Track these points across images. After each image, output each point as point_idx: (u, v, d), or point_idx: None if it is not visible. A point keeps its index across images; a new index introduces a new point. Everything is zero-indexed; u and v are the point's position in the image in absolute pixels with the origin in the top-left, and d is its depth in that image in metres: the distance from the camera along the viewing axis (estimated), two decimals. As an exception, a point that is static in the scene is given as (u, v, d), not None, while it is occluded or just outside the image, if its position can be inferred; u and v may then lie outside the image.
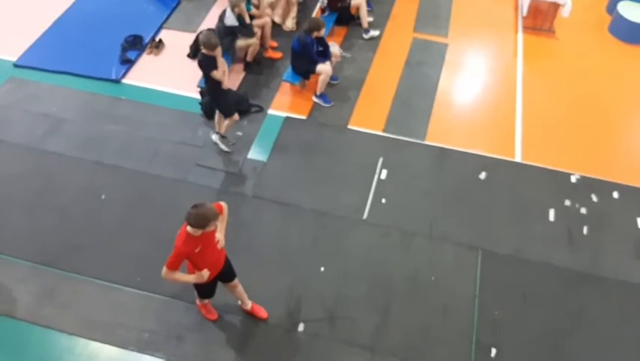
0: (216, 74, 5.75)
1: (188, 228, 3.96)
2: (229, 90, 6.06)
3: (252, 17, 7.38)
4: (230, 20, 7.06)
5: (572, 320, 5.17)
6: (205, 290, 4.67)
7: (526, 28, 8.54)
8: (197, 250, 4.07)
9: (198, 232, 3.97)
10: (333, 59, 7.18)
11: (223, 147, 6.50)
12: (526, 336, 5.04)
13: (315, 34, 6.70)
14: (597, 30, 8.57)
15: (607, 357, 4.94)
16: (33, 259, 5.49)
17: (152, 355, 4.87)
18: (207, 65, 5.72)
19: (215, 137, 6.54)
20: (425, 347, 4.95)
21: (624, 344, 5.02)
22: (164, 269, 4.04)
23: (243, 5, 6.97)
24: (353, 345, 4.95)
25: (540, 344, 5.00)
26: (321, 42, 6.94)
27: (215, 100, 6.22)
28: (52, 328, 5.01)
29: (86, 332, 5.00)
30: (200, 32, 7.88)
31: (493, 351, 4.92)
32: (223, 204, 4.32)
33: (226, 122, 6.35)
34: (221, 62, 5.80)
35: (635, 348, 5.00)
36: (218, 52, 5.70)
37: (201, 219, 3.89)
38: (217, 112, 6.34)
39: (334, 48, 7.30)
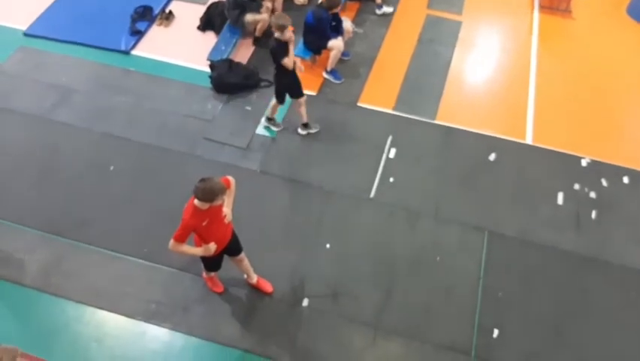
0: (287, 62, 5.64)
1: (196, 201, 3.97)
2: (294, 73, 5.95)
3: None
4: None
5: (575, 303, 5.18)
6: (211, 263, 4.71)
7: (542, 7, 8.37)
8: (204, 224, 4.09)
9: (205, 206, 3.98)
10: (345, 34, 7.08)
11: (274, 128, 6.48)
12: (529, 318, 5.06)
13: (333, 11, 6.61)
14: (614, 11, 8.37)
15: (609, 342, 4.95)
16: (42, 228, 5.55)
17: (159, 325, 4.95)
18: (279, 53, 5.60)
19: (264, 120, 6.51)
20: (427, 327, 4.99)
21: (626, 329, 5.03)
22: (172, 241, 4.07)
23: None
24: (356, 322, 5.00)
25: (543, 326, 5.02)
26: (335, 17, 6.84)
27: (288, 85, 6.05)
28: (60, 296, 5.10)
29: (94, 300, 5.08)
30: (212, 4, 7.85)
31: (496, 332, 4.95)
32: (231, 178, 4.33)
33: (302, 107, 6.22)
34: (292, 48, 5.65)
35: (637, 334, 5.01)
36: (289, 34, 5.51)
37: (209, 193, 3.89)
38: (274, 99, 6.25)
39: (346, 24, 7.20)
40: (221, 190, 3.97)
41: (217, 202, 4.02)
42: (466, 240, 5.58)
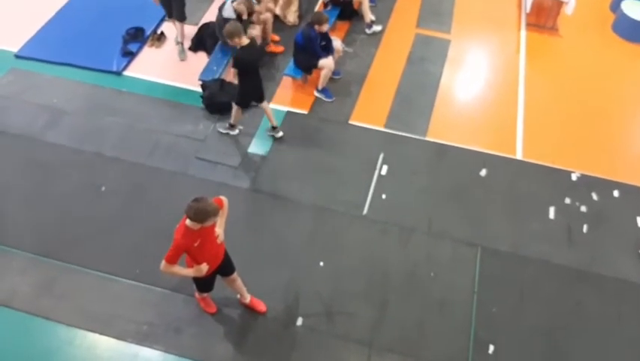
0: None
1: (188, 221, 3.96)
2: None
3: (251, 13, 7.35)
4: (228, 12, 7.02)
5: (569, 317, 5.18)
6: (204, 284, 4.67)
7: (529, 25, 8.51)
8: (196, 244, 4.06)
9: (197, 226, 3.96)
10: (335, 53, 7.16)
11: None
12: (524, 333, 5.05)
13: (317, 27, 6.67)
14: (600, 28, 8.53)
15: (603, 355, 4.95)
16: (32, 250, 5.49)
17: (151, 347, 4.88)
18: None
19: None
20: (422, 343, 4.96)
21: (621, 342, 5.03)
22: (163, 263, 4.03)
23: (242, 7, 6.95)
24: (351, 340, 4.96)
25: (538, 341, 5.01)
26: (324, 36, 6.92)
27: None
28: (50, 319, 5.02)
29: (85, 323, 5.01)
30: (203, 25, 7.90)
31: (491, 348, 4.93)
32: (223, 198, 4.32)
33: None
34: None
35: (631, 346, 5.01)
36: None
37: (201, 213, 3.88)
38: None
39: (336, 43, 7.28)
40: (214, 211, 3.95)
41: (209, 223, 4.00)
42: (460, 255, 5.59)
